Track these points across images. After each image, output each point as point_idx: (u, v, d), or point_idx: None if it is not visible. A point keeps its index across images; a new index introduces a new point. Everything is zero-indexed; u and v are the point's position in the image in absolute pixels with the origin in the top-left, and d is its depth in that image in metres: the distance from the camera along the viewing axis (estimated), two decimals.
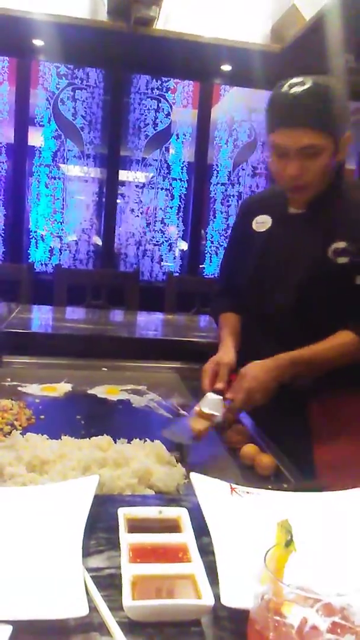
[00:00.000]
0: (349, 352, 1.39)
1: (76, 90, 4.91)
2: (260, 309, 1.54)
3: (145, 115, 5.04)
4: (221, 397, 1.36)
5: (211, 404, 1.35)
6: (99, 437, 1.20)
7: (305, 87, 1.33)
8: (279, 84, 1.38)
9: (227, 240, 5.33)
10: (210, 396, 1.36)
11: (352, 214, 1.42)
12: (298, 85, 1.34)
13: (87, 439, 1.20)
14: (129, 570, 0.68)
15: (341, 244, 1.38)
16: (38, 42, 4.45)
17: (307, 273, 1.42)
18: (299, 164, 1.35)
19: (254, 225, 1.57)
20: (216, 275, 5.30)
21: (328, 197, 1.43)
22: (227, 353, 1.49)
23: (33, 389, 1.65)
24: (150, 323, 2.84)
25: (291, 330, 1.46)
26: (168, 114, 5.08)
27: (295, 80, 1.35)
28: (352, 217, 1.41)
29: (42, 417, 1.43)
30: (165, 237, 5.26)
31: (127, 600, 0.63)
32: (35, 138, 4.92)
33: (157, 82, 5.02)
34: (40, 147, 4.93)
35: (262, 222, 1.55)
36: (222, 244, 5.33)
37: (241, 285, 1.60)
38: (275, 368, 1.35)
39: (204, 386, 1.41)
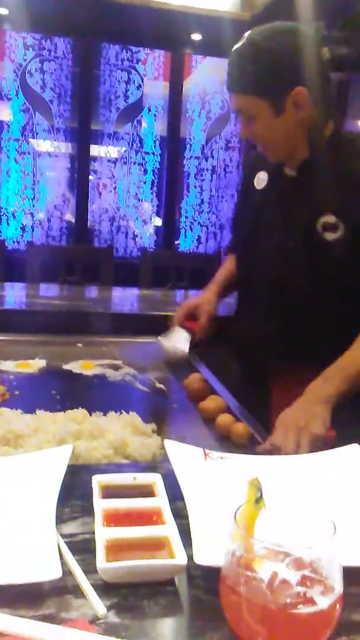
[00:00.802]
0: None
1: (44, 62, 4.77)
2: (248, 271, 1.55)
3: (116, 88, 4.94)
4: (188, 336, 1.46)
5: (178, 338, 1.44)
6: (74, 410, 1.20)
7: (237, 46, 1.28)
8: None
9: (201, 213, 5.33)
10: (178, 330, 1.45)
11: (347, 185, 1.28)
12: (239, 41, 1.28)
13: (62, 412, 1.20)
14: (103, 534, 0.68)
15: (331, 219, 1.27)
16: (2, 11, 4.30)
17: (294, 244, 1.35)
18: (243, 126, 1.35)
19: (255, 182, 1.50)
20: (192, 250, 5.30)
21: (321, 162, 1.33)
22: (208, 300, 1.58)
23: (7, 365, 1.63)
24: (125, 299, 2.83)
25: (273, 297, 1.43)
26: (139, 86, 4.99)
27: (245, 33, 1.28)
28: (346, 189, 1.28)
29: (17, 392, 1.42)
30: (139, 213, 5.21)
31: (101, 562, 0.64)
32: (3, 112, 4.78)
33: (127, 53, 4.90)
34: (8, 122, 4.80)
35: (261, 179, 1.48)
36: (196, 218, 5.30)
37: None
38: (313, 395, 1.15)
39: (174, 320, 1.50)
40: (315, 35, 1.29)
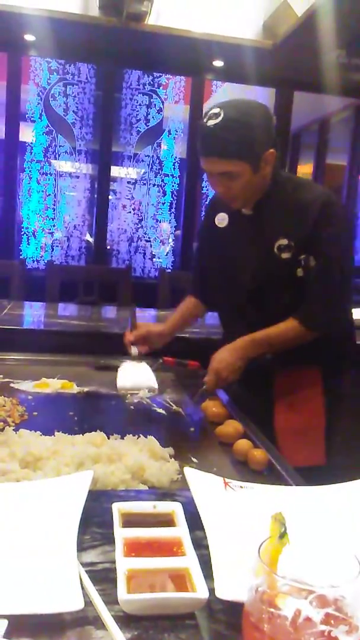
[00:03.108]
0: (294, 336, 1.62)
1: (67, 86, 4.88)
2: (228, 295, 1.80)
3: (137, 111, 5.03)
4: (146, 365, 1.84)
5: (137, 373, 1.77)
6: (93, 433, 1.20)
7: (218, 120, 1.47)
8: (203, 114, 1.54)
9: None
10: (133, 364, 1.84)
11: (293, 213, 1.59)
12: (213, 117, 1.48)
13: (81, 435, 1.20)
14: (124, 564, 0.68)
15: (284, 241, 1.58)
16: (29, 37, 4.42)
17: (258, 267, 1.66)
18: (221, 185, 1.56)
19: (216, 221, 1.76)
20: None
21: (271, 200, 1.62)
22: (160, 326, 1.92)
23: (26, 385, 1.64)
24: (142, 319, 2.83)
25: (252, 313, 1.72)
26: (160, 110, 5.07)
27: (213, 110, 1.49)
28: (292, 216, 1.59)
29: (35, 413, 1.43)
30: (158, 233, 5.26)
31: (122, 593, 0.63)
32: (27, 134, 4.89)
33: (148, 77, 5.00)
34: (31, 143, 4.91)
35: (222, 219, 1.75)
36: None
37: (211, 272, 1.88)
38: (239, 349, 1.62)
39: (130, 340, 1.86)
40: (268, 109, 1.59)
